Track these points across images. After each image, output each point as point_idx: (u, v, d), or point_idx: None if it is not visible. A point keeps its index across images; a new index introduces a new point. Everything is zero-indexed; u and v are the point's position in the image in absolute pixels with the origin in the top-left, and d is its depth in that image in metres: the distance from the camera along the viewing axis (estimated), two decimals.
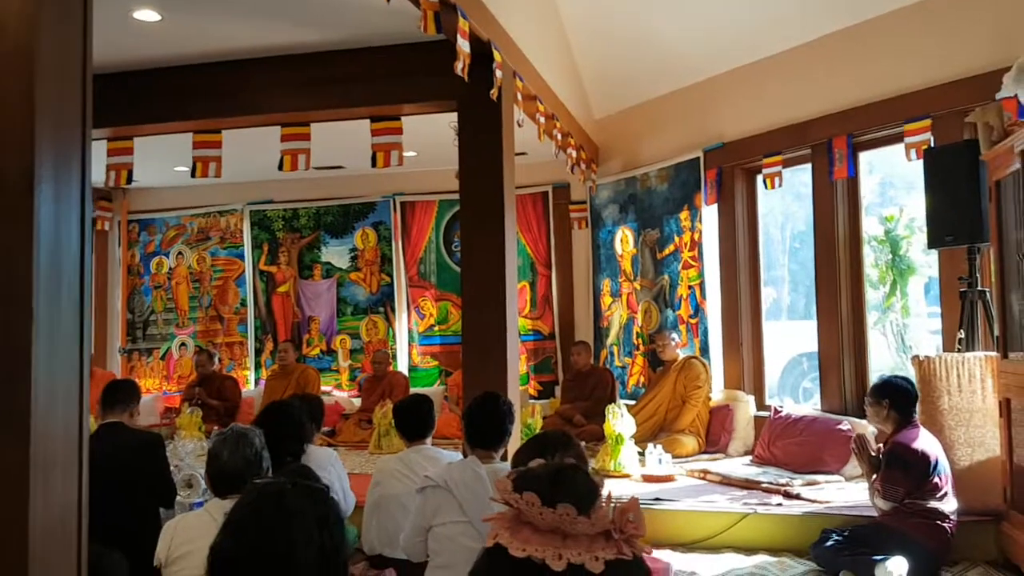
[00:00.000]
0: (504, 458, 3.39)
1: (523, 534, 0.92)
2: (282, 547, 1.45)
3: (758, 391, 6.77)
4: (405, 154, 7.44)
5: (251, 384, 9.20)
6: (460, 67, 4.13)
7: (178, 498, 4.44)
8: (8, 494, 1.56)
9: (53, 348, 1.63)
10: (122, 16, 4.68)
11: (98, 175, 6.02)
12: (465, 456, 3.45)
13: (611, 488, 0.98)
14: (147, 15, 4.70)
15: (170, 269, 9.72)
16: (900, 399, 4.26)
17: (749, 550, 4.52)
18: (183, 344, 9.61)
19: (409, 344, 9.00)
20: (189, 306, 9.65)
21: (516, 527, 0.93)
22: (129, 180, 5.93)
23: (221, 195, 9.37)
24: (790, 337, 8.72)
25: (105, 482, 3.90)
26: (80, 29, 1.79)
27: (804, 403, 7.60)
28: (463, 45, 4.13)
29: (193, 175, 5.81)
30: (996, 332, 4.35)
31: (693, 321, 7.03)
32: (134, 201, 9.76)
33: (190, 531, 2.66)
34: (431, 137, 6.56)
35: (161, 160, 7.72)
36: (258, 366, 9.35)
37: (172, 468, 4.88)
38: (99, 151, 5.91)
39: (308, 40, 5.17)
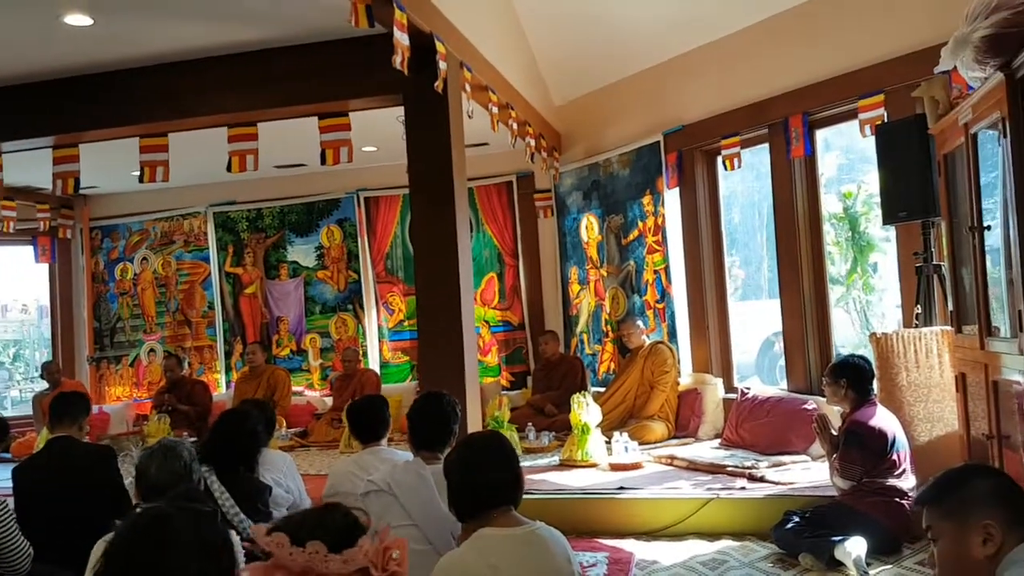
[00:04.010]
0: None
1: None
2: (154, 573, 1.40)
3: (726, 373, 6.75)
4: (365, 149, 7.40)
5: (222, 387, 9.11)
6: (399, 61, 4.06)
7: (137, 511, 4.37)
8: None
9: None
10: (52, 21, 4.57)
11: (47, 183, 5.92)
12: None
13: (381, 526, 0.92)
14: (78, 19, 4.59)
15: (135, 275, 9.59)
16: (856, 378, 4.25)
17: (713, 535, 4.50)
18: (152, 350, 9.50)
19: (379, 340, 8.93)
20: (156, 311, 9.54)
21: (269, 573, 0.88)
22: (76, 188, 5.82)
23: (183, 198, 9.25)
24: (768, 316, 8.64)
25: (56, 498, 3.88)
26: None
27: (782, 382, 7.57)
28: (401, 38, 4.06)
29: (141, 180, 5.71)
30: (950, 307, 4.33)
31: (660, 306, 7.00)
32: (95, 208, 9.62)
33: None
34: (390, 131, 6.47)
35: (117, 165, 7.58)
36: (228, 369, 9.26)
37: (131, 480, 4.82)
38: (45, 159, 5.81)
39: (247, 39, 5.07)
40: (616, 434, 5.80)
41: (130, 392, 9.46)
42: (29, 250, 9.51)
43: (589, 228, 7.84)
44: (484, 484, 2.30)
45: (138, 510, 1.54)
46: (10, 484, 3.97)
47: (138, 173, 5.77)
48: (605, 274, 7.65)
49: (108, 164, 7.34)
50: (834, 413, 4.89)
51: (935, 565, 1.81)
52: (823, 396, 5.45)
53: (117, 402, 9.24)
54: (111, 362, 9.59)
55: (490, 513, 2.28)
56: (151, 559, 1.40)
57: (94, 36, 4.84)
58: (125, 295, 9.58)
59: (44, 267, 9.80)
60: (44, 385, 8.52)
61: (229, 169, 5.45)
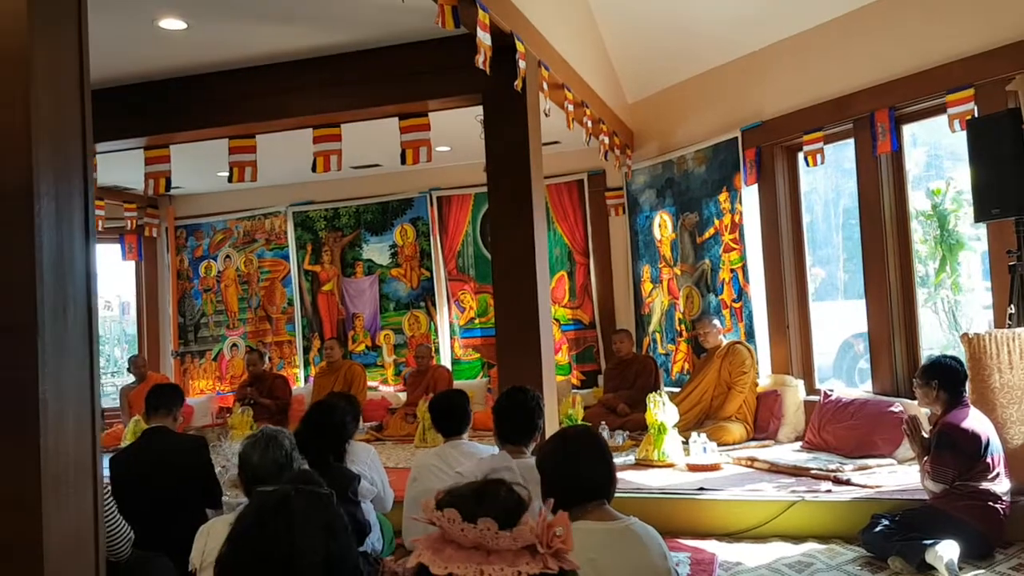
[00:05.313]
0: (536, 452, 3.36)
1: (446, 553, 0.90)
2: (284, 554, 1.44)
3: (807, 375, 6.61)
4: (439, 149, 7.49)
5: (301, 382, 9.35)
6: (481, 60, 4.09)
7: (226, 498, 4.51)
8: (21, 511, 1.58)
9: (61, 365, 1.64)
10: (148, 26, 4.75)
11: (138, 183, 6.16)
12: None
13: (541, 504, 0.94)
14: (173, 24, 4.77)
15: (219, 272, 9.91)
16: (948, 379, 4.13)
17: (797, 538, 4.42)
18: (234, 345, 9.81)
19: (451, 337, 9.04)
20: (238, 307, 9.84)
21: (439, 546, 0.91)
22: (168, 188, 6.03)
23: (264, 198, 9.52)
24: (845, 317, 8.45)
25: (152, 486, 4.04)
26: (75, 29, 1.78)
27: (861, 385, 7.39)
28: (483, 38, 4.10)
29: (230, 180, 5.89)
30: None
31: (737, 305, 6.90)
32: (180, 207, 9.98)
33: (222, 536, 2.68)
34: (464, 131, 6.55)
35: (203, 166, 7.86)
36: (307, 364, 9.49)
37: (220, 469, 4.98)
38: (137, 160, 6.05)
39: (332, 42, 5.18)
40: (694, 434, 5.74)
41: (213, 385, 9.79)
42: (116, 248, 9.90)
43: (662, 226, 7.78)
44: (578, 477, 2.32)
45: (260, 491, 1.58)
46: (106, 473, 4.14)
47: (225, 174, 5.96)
48: (679, 272, 7.58)
49: (193, 165, 7.60)
50: (923, 415, 4.77)
51: None
52: (910, 398, 5.34)
53: (201, 395, 9.55)
54: (195, 356, 9.93)
55: (584, 506, 2.29)
56: (281, 537, 1.45)
57: (187, 40, 5.02)
58: (209, 292, 9.92)
59: (130, 264, 10.20)
60: (130, 379, 8.86)
61: (314, 170, 5.58)
